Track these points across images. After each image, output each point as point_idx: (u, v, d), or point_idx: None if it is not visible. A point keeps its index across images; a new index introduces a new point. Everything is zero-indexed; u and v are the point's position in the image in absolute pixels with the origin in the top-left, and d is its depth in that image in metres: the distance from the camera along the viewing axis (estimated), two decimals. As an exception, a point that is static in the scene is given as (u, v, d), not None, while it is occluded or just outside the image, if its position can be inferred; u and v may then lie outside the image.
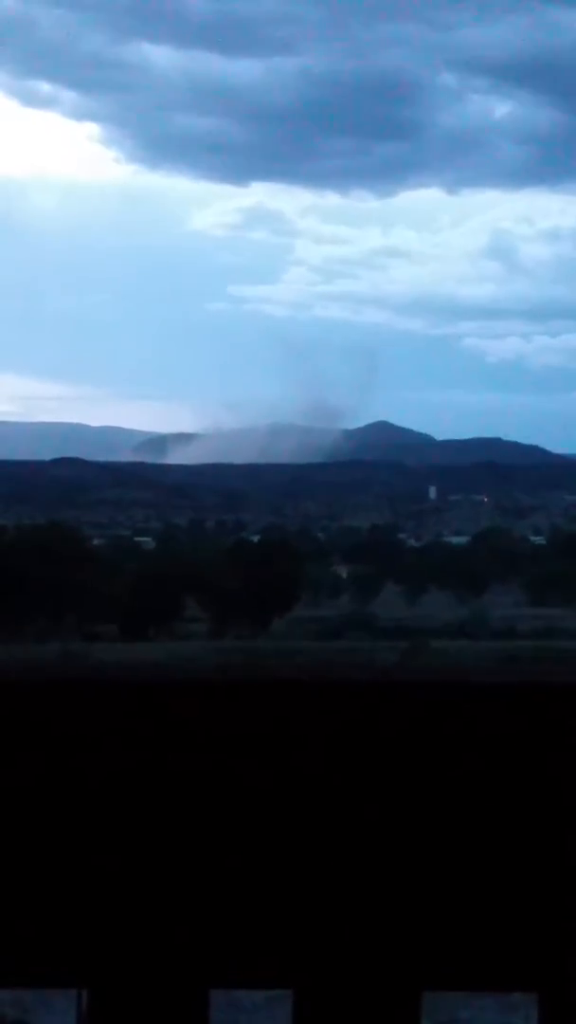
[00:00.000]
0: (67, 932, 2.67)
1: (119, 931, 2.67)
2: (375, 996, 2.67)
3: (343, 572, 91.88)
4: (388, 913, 2.67)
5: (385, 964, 2.67)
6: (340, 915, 2.67)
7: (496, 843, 2.67)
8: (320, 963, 2.67)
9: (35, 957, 2.68)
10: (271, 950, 2.67)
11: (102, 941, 2.67)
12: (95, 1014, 2.69)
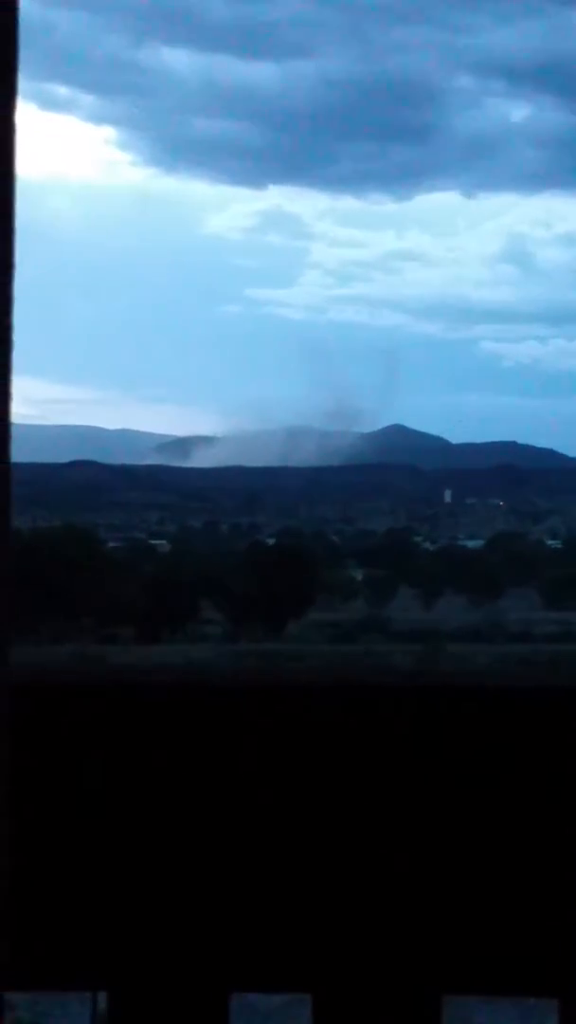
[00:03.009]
0: (86, 935, 2.67)
1: (139, 934, 2.67)
2: (394, 1000, 2.66)
3: (358, 575, 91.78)
4: (407, 917, 2.67)
5: (404, 968, 2.66)
6: (359, 919, 2.67)
7: (516, 847, 2.67)
8: (339, 967, 2.66)
9: (54, 960, 2.68)
10: (290, 954, 2.67)
11: (121, 944, 2.67)
12: (114, 1017, 2.69)
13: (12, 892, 1.47)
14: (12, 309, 1.44)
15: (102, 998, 2.74)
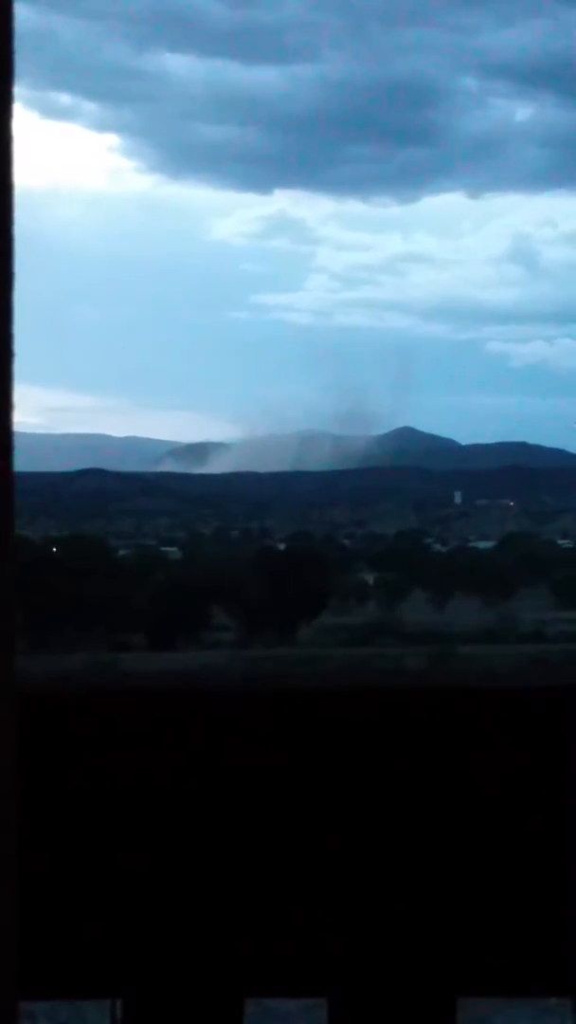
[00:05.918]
0: (102, 942, 2.67)
1: (154, 940, 2.67)
2: (410, 1003, 2.66)
3: (370, 578, 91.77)
4: (422, 920, 2.67)
5: (419, 971, 2.66)
6: (373, 922, 2.67)
7: (530, 848, 2.66)
8: (354, 971, 2.67)
9: (71, 967, 2.69)
10: (305, 958, 2.67)
11: (137, 951, 2.67)
12: (129, 1024, 2.69)
13: (27, 900, 1.48)
14: (12, 319, 1.44)
15: (120, 1006, 2.74)
